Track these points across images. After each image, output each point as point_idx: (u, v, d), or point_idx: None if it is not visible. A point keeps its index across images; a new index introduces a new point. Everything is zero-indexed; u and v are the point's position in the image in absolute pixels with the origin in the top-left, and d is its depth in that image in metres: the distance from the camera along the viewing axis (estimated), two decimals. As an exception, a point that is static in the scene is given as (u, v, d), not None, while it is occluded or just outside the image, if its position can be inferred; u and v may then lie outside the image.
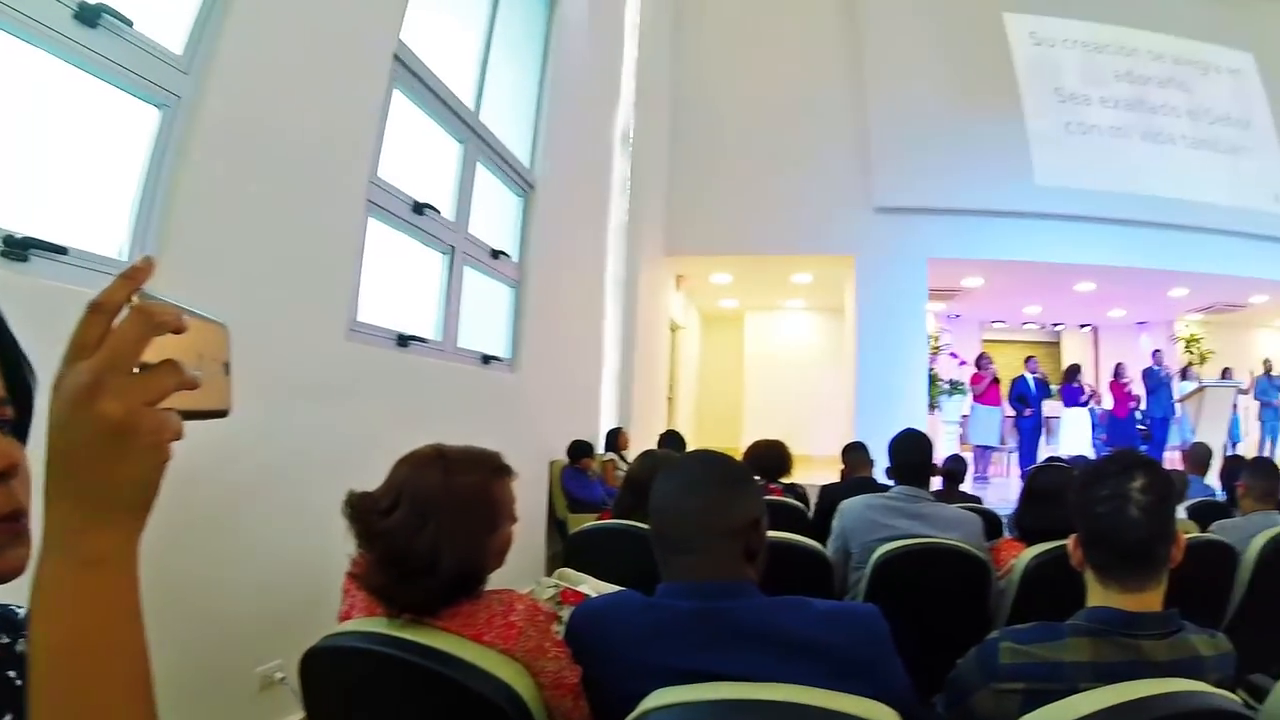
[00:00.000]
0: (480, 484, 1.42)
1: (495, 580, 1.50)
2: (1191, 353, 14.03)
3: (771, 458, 4.62)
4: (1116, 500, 1.36)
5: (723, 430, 13.83)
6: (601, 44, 7.29)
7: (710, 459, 1.42)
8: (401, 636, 1.29)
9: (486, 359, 4.70)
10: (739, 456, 4.61)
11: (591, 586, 1.87)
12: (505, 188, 5.16)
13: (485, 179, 4.73)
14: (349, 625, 1.40)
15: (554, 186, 5.75)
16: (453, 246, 4.23)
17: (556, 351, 6.04)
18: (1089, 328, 16.23)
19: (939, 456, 9.76)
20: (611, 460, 6.60)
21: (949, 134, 10.29)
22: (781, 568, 2.38)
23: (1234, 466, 5.58)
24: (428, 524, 1.32)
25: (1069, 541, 1.47)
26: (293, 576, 2.70)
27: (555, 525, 5.84)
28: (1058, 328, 16.24)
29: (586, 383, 7.19)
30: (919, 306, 10.44)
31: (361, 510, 1.34)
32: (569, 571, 1.97)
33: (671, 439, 5.78)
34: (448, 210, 4.17)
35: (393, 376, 3.50)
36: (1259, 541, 3.05)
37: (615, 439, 6.97)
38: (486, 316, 5.01)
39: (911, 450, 3.02)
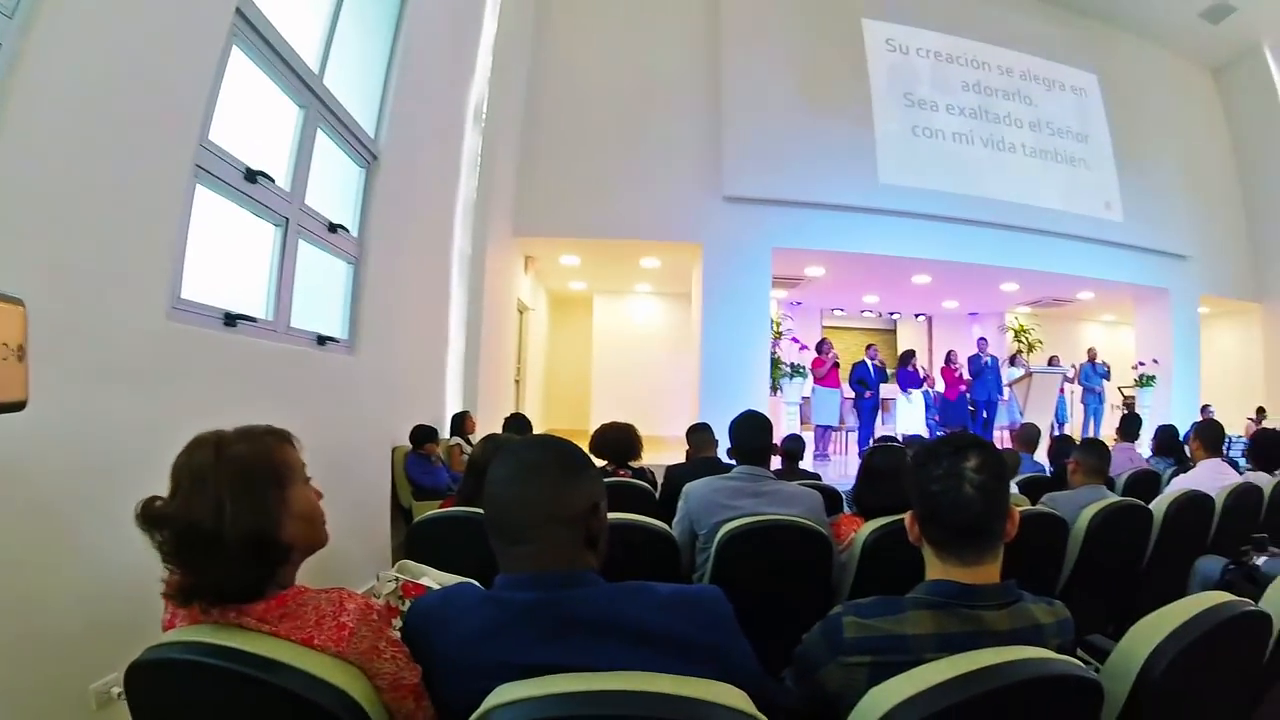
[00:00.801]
0: (255, 449, 1.34)
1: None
2: (1021, 342, 15.30)
3: (620, 441, 4.65)
4: (951, 479, 1.41)
5: (571, 413, 13.93)
6: (460, 14, 7.06)
7: (545, 443, 1.37)
8: (226, 645, 1.19)
9: (322, 340, 4.42)
10: (587, 439, 4.65)
11: (433, 578, 1.80)
12: (347, 157, 4.85)
13: (325, 147, 4.42)
14: (171, 635, 1.28)
15: (400, 158, 5.47)
16: (287, 218, 3.91)
17: (399, 332, 5.79)
18: (924, 317, 17.30)
19: (780, 436, 10.27)
20: (457, 445, 6.44)
21: (800, 129, 10.73)
22: (629, 550, 2.40)
23: (1063, 445, 6.09)
24: (205, 490, 1.24)
25: (906, 518, 1.51)
26: (119, 583, 2.39)
27: (400, 514, 5.63)
28: (894, 316, 17.19)
29: (431, 365, 6.97)
30: (763, 293, 10.85)
31: (146, 510, 1.23)
32: (410, 563, 1.87)
33: (516, 422, 5.69)
34: (283, 179, 3.89)
35: (220, 359, 3.21)
36: (1088, 513, 3.34)
37: (461, 423, 6.81)
38: (322, 294, 4.71)
39: (752, 432, 3.10)
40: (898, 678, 1.17)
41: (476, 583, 1.52)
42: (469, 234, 7.77)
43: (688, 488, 2.98)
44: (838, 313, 16.60)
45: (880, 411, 12.24)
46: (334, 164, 4.68)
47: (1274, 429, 6.65)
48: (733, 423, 3.15)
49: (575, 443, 1.41)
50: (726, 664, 1.21)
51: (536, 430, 12.41)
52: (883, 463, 3.00)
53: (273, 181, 3.68)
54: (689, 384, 11.21)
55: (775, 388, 11.54)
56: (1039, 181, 12.24)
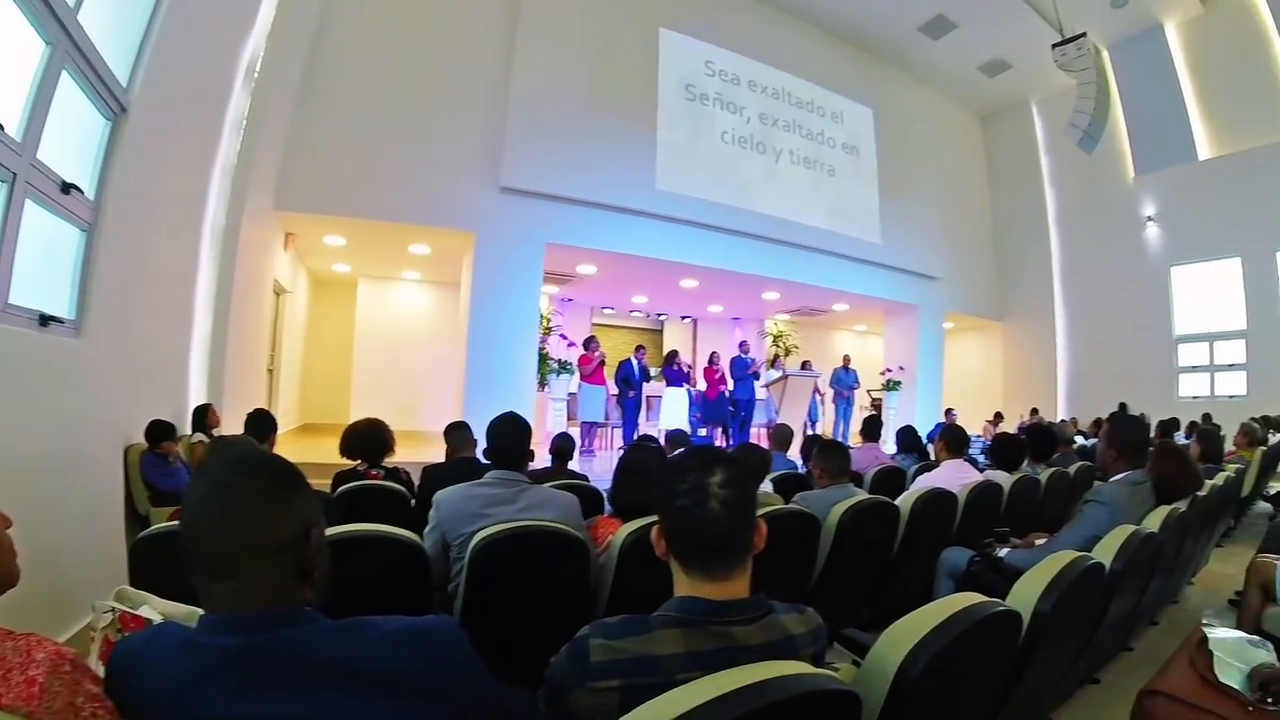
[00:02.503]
0: None
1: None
2: (779, 346, 16.40)
3: (370, 439, 4.45)
4: (697, 494, 1.38)
5: (329, 406, 13.19)
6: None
7: (246, 460, 1.19)
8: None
9: (45, 319, 3.76)
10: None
11: (156, 609, 1.52)
12: (92, 107, 4.15)
13: (67, 93, 3.74)
14: None
15: (154, 113, 4.77)
16: (15, 174, 3.28)
17: (137, 312, 5.09)
18: (689, 319, 18.24)
19: (549, 432, 10.30)
20: (200, 442, 5.76)
21: (585, 128, 10.84)
22: (373, 566, 2.34)
23: (813, 444, 6.46)
24: None
25: (653, 533, 1.48)
26: None
27: (138, 522, 4.86)
28: (662, 317, 17.94)
29: (173, 350, 6.21)
30: (534, 288, 10.80)
31: None
32: (129, 591, 1.57)
33: (258, 421, 5.08)
34: (13, 127, 3.25)
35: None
36: (839, 510, 3.54)
37: (204, 417, 6.11)
38: (47, 266, 4.02)
39: (509, 435, 3.02)
40: (645, 705, 1.12)
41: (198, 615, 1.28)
42: (224, 203, 7.02)
43: (438, 496, 2.86)
44: (607, 311, 16.99)
45: (645, 409, 12.65)
46: (73, 114, 3.98)
47: (1010, 433, 7.53)
48: (490, 425, 3.06)
49: (283, 458, 1.25)
50: (464, 701, 1.15)
51: (289, 427, 11.66)
52: (635, 461, 3.09)
53: (2, 129, 3.06)
54: (455, 377, 10.90)
55: (543, 383, 11.58)
56: (808, 200, 13.50)
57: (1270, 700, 1.98)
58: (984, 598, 1.67)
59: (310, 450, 9.01)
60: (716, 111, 12.53)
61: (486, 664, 1.23)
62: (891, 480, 5.59)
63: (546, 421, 11.53)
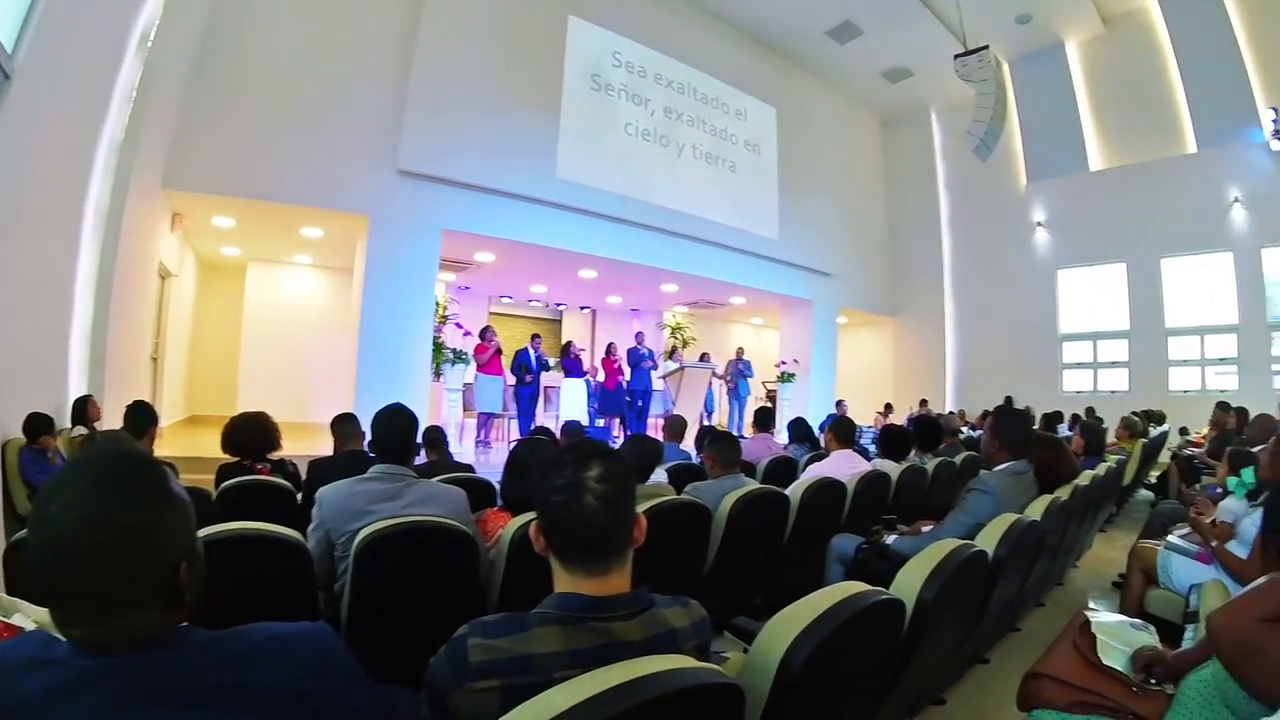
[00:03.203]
0: None
1: None
2: (676, 338, 16.59)
3: (253, 434, 4.33)
4: (574, 489, 1.37)
5: (216, 397, 12.56)
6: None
7: (110, 468, 1.03)
8: None
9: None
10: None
11: (27, 615, 1.40)
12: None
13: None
14: None
15: (40, 80, 4.55)
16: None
17: (11, 298, 4.84)
18: (589, 310, 18.16)
19: (444, 422, 10.15)
20: (81, 436, 5.49)
21: (487, 112, 10.65)
22: (254, 567, 2.28)
23: (706, 435, 6.59)
24: None
25: (531, 529, 1.45)
26: None
27: (17, 522, 4.57)
28: (560, 307, 17.78)
29: (51, 339, 5.92)
30: (429, 275, 10.56)
31: None
32: (1, 597, 1.47)
33: (137, 414, 4.78)
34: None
35: None
36: (729, 500, 3.61)
37: (84, 409, 5.81)
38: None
39: (393, 427, 2.96)
40: (524, 705, 1.10)
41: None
42: (109, 180, 6.69)
43: (321, 493, 2.77)
44: (505, 300, 16.76)
45: (543, 400, 12.57)
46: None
47: (898, 425, 7.87)
48: (375, 417, 2.98)
49: (156, 464, 1.10)
50: (342, 710, 1.12)
51: (174, 419, 11.14)
52: (526, 455, 3.06)
53: None
54: (348, 366, 10.48)
55: (438, 373, 11.29)
56: (708, 195, 13.70)
57: (1153, 681, 2.06)
58: (868, 586, 1.71)
59: (197, 444, 8.61)
60: (621, 103, 12.54)
61: (377, 665, 1.20)
62: (783, 470, 5.72)
63: (441, 413, 11.30)
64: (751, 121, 14.90)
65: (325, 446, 5.14)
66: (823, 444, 6.07)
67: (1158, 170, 14.69)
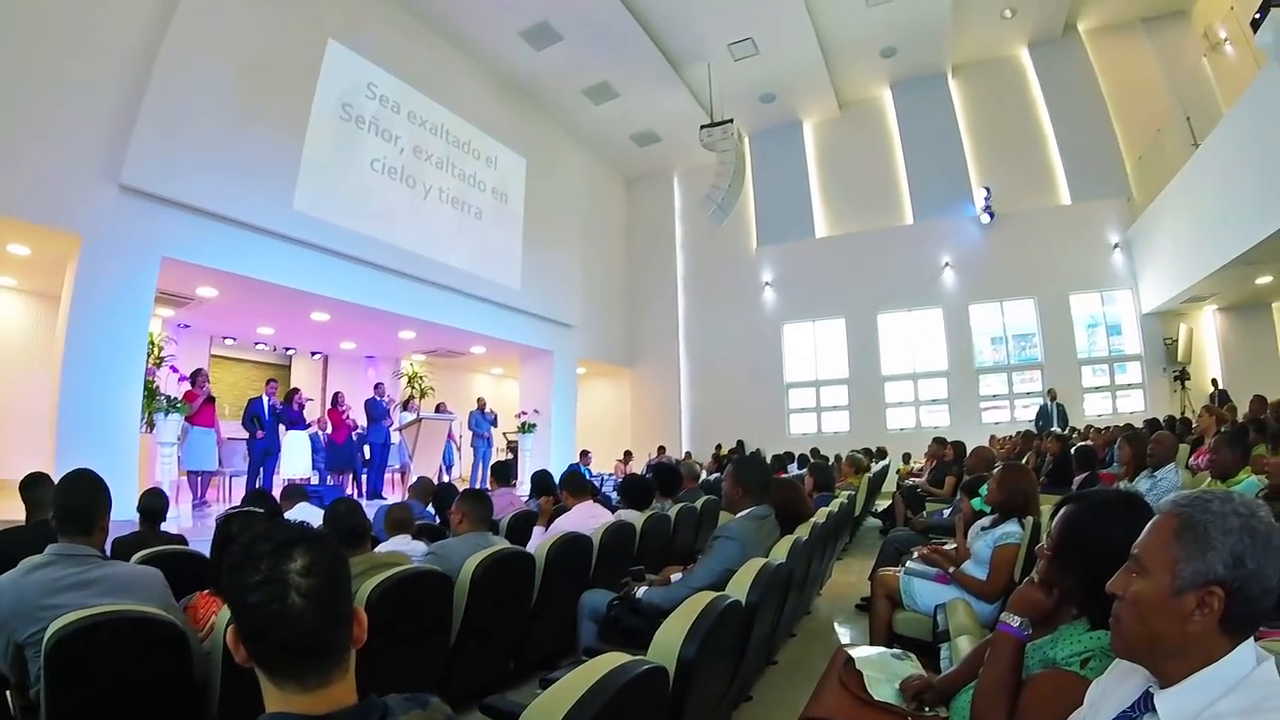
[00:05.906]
0: None
1: None
2: (414, 388, 16.06)
3: None
4: (273, 587, 1.14)
5: None
6: None
7: None
8: None
9: None
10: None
11: None
12: None
13: None
14: None
15: None
16: None
17: None
18: (320, 355, 17.22)
19: (156, 482, 8.85)
20: None
21: (225, 130, 9.74)
22: None
23: (446, 492, 6.33)
24: None
25: (229, 635, 1.20)
26: None
27: None
28: (290, 352, 16.67)
29: None
30: (145, 308, 9.24)
31: None
32: None
33: None
34: None
35: None
36: (470, 565, 3.46)
37: None
38: None
39: (77, 496, 2.62)
40: None
41: None
42: None
43: None
44: (229, 342, 15.18)
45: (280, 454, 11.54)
46: None
47: (638, 474, 8.08)
48: (58, 484, 2.68)
49: None
50: None
51: None
52: (234, 531, 2.83)
53: None
54: (50, 412, 8.78)
55: (150, 424, 9.68)
56: (452, 240, 13.63)
57: (926, 708, 2.13)
58: (628, 657, 1.67)
59: None
60: (370, 137, 12.08)
61: None
62: (527, 525, 5.61)
63: (155, 471, 9.91)
64: (501, 169, 15.03)
65: (16, 510, 4.27)
66: (561, 499, 5.97)
67: (878, 237, 17.04)
